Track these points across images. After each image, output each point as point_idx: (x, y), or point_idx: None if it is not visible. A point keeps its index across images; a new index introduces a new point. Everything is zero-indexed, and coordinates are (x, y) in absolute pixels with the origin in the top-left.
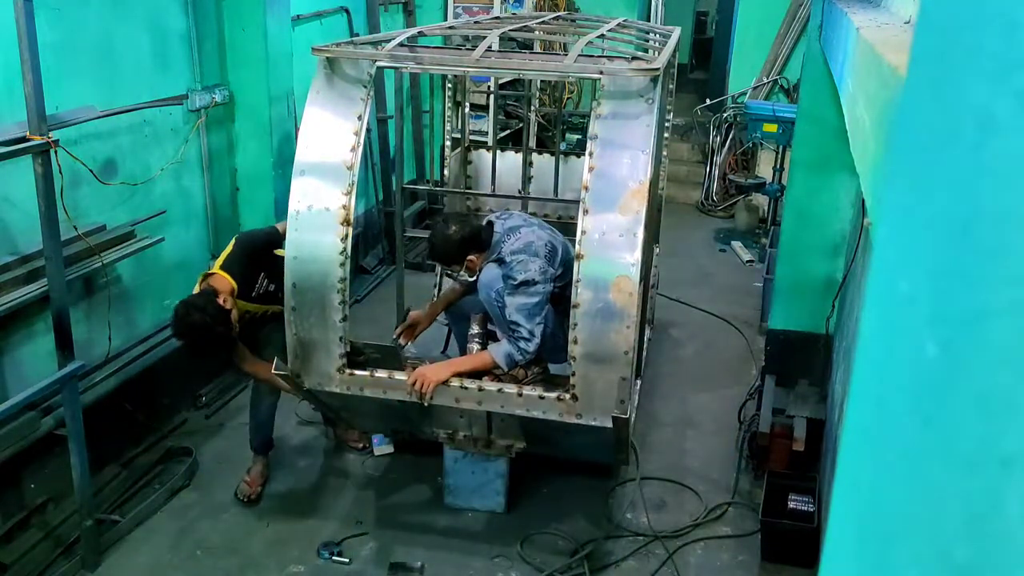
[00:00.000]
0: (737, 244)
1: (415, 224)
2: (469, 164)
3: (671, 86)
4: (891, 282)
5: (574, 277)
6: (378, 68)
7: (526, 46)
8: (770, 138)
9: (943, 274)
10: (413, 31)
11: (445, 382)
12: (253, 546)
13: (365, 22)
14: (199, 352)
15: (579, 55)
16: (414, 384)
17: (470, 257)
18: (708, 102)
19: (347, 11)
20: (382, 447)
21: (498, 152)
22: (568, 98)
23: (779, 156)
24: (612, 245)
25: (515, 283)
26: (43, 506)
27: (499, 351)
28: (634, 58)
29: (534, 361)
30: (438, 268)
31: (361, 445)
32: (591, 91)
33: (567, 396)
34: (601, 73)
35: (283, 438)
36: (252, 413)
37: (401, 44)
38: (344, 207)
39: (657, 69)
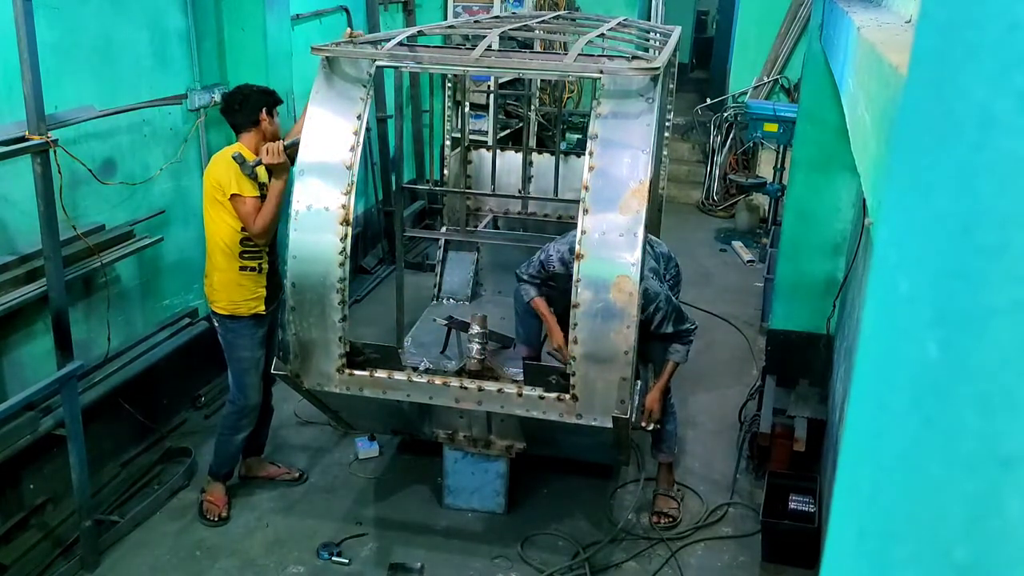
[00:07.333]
0: (738, 244)
1: (415, 224)
2: (469, 164)
3: (671, 85)
4: (892, 282)
5: (574, 277)
6: (378, 67)
7: (526, 45)
8: (771, 138)
9: (944, 274)
10: (413, 30)
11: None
12: (253, 546)
13: (365, 21)
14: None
15: (579, 54)
16: (649, 414)
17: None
18: (709, 101)
19: (346, 10)
20: (367, 450)
21: (498, 152)
22: (568, 97)
23: (780, 156)
24: (612, 245)
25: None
26: (42, 506)
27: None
28: (634, 57)
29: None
30: (438, 268)
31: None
32: (591, 90)
33: (567, 396)
34: (601, 72)
35: (283, 438)
36: (222, 439)
37: (401, 43)
38: (344, 207)
39: (657, 68)
